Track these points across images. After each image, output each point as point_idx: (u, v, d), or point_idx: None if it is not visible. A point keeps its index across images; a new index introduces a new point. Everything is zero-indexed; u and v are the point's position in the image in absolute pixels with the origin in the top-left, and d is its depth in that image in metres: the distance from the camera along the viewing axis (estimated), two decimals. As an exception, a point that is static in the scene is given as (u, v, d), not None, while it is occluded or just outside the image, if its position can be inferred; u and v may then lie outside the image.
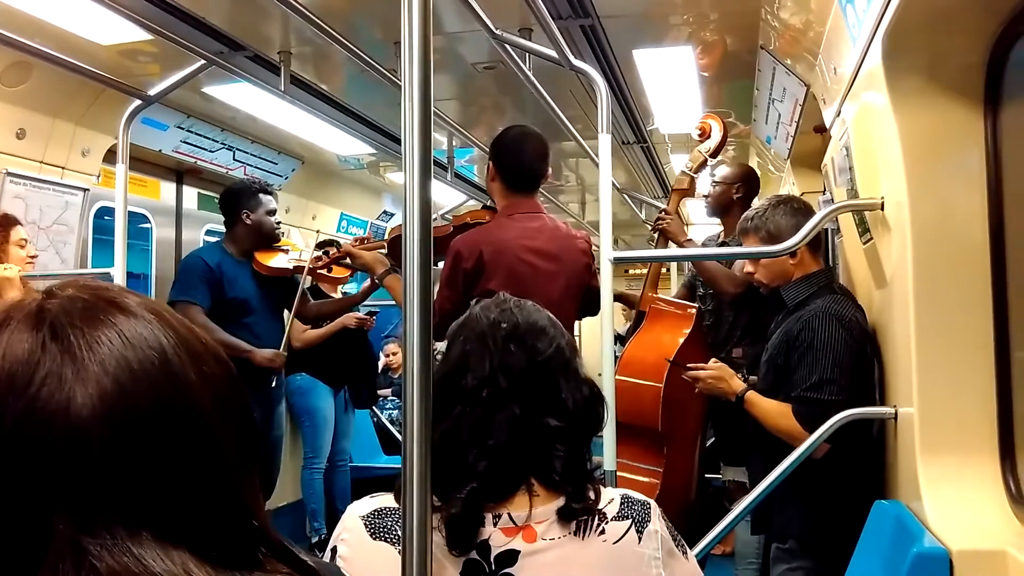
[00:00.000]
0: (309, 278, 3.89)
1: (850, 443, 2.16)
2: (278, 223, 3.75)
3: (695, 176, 3.43)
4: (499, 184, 2.70)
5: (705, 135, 3.39)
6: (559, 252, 2.62)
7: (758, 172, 3.90)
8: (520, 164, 2.67)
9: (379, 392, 5.48)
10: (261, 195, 3.66)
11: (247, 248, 3.63)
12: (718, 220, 3.74)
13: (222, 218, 3.70)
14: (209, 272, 3.47)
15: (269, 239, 3.70)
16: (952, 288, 1.87)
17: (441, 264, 2.69)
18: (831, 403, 2.13)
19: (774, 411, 2.29)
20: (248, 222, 3.61)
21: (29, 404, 0.57)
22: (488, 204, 3.17)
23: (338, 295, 4.69)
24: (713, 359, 2.57)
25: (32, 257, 2.97)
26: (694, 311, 3.26)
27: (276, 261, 3.69)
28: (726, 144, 3.45)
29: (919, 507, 1.83)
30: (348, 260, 3.18)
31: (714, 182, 3.64)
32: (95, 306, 0.62)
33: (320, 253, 3.74)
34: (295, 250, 4.04)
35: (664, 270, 4.08)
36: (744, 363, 3.12)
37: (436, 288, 3.40)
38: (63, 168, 3.51)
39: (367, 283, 3.96)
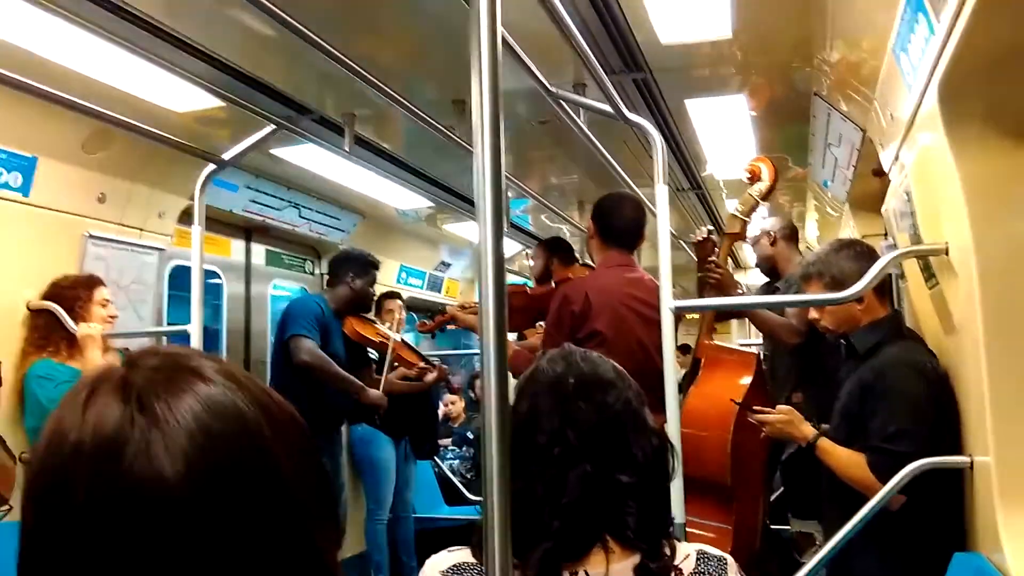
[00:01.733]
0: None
1: (929, 493, 2.10)
2: (375, 295, 4.16)
3: (747, 220, 3.41)
4: (598, 240, 2.96)
5: (755, 178, 3.35)
6: (655, 302, 2.67)
7: (815, 215, 3.89)
8: (617, 223, 2.92)
9: (439, 442, 5.51)
10: (370, 267, 4.11)
11: (341, 309, 4.00)
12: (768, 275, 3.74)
13: (288, 274, 3.89)
14: (322, 317, 3.82)
15: (363, 306, 4.12)
16: (1023, 333, 1.83)
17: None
18: (907, 455, 2.07)
19: (849, 460, 2.23)
20: (353, 286, 4.01)
21: (122, 478, 0.58)
22: (586, 262, 3.39)
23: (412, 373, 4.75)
24: (788, 407, 2.52)
25: (112, 316, 3.10)
26: (754, 356, 3.22)
27: (367, 331, 4.10)
28: (776, 186, 3.43)
29: (1000, 559, 1.78)
30: (454, 323, 3.50)
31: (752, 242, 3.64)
32: (176, 375, 0.64)
33: (424, 319, 4.06)
34: (381, 324, 4.44)
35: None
36: (805, 406, 3.08)
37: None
38: (141, 230, 3.67)
39: (434, 374, 4.43)
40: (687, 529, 2.22)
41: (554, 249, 3.97)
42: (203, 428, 0.60)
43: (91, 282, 3.09)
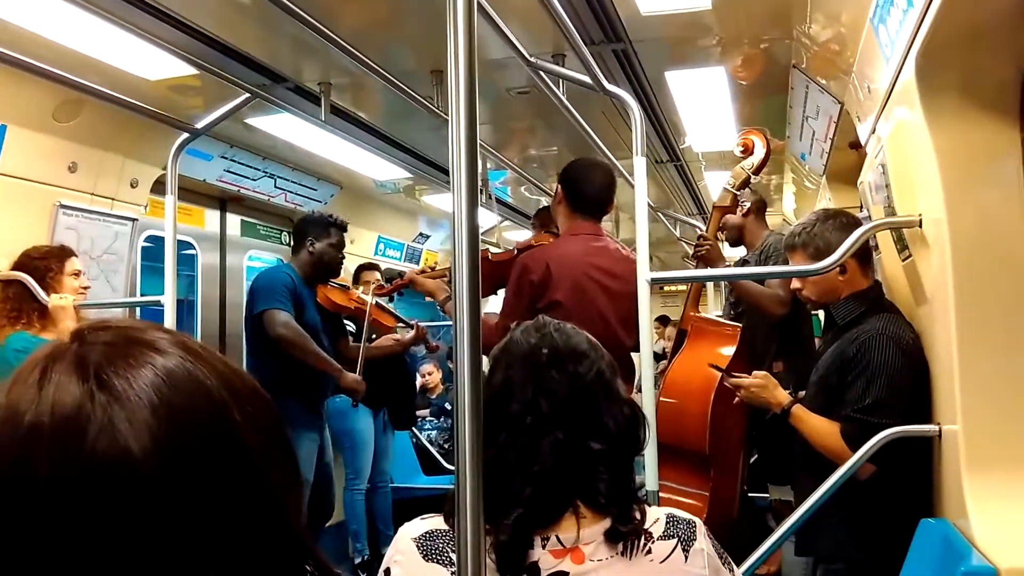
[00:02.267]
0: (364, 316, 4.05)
1: (900, 462, 2.14)
2: (342, 258, 3.90)
3: (737, 193, 3.39)
4: (565, 207, 2.83)
5: (748, 151, 3.32)
6: (621, 273, 2.69)
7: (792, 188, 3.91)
8: (587, 190, 2.81)
9: (417, 413, 5.52)
10: (331, 228, 3.81)
11: (310, 275, 3.77)
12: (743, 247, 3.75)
13: (264, 244, 3.83)
14: (293, 288, 3.61)
15: (330, 270, 3.84)
16: (993, 303, 1.86)
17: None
18: (881, 426, 2.10)
19: (822, 429, 2.26)
20: (312, 249, 3.74)
21: (86, 459, 0.56)
22: (552, 230, 3.32)
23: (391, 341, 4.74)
24: (763, 372, 2.54)
25: (84, 287, 3.07)
26: (738, 329, 3.24)
27: (340, 298, 3.88)
28: (769, 160, 3.40)
29: (966, 525, 1.82)
30: (412, 287, 3.30)
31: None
32: (131, 349, 0.62)
33: (383, 282, 3.85)
34: (355, 289, 4.22)
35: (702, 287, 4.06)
36: (785, 375, 3.11)
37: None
38: (113, 199, 3.62)
39: (412, 333, 4.24)
40: (665, 495, 2.25)
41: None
42: (166, 402, 0.59)
43: (63, 253, 3.05)
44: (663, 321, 9.17)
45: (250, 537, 0.61)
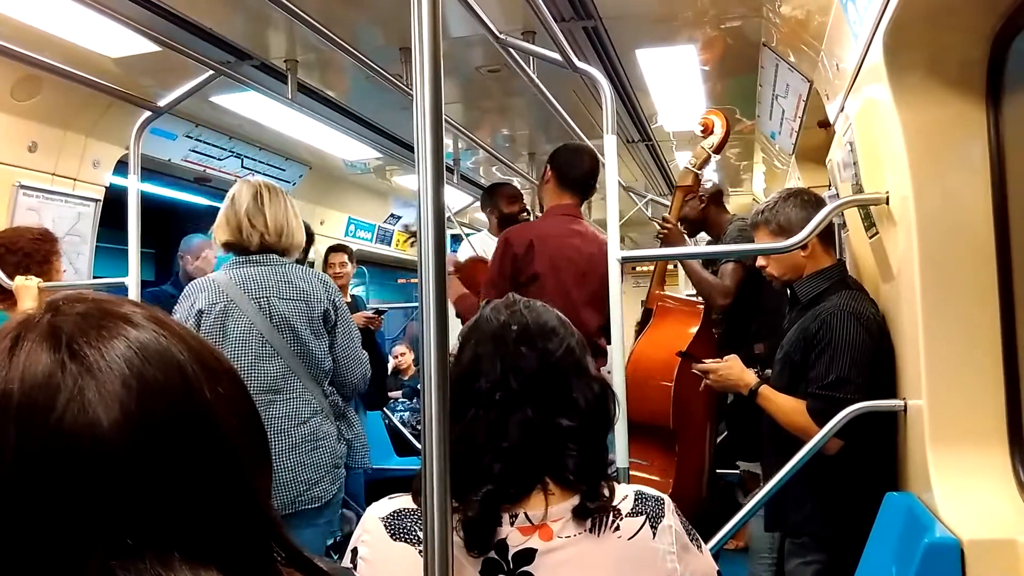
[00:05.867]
0: None
1: (865, 438, 2.17)
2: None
3: (699, 172, 3.44)
4: (552, 185, 3.01)
5: (708, 131, 3.39)
6: (596, 252, 2.82)
7: (762, 167, 3.94)
8: (576, 170, 2.98)
9: (390, 394, 5.51)
10: None
11: None
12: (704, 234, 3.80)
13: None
14: None
15: None
16: (958, 280, 1.88)
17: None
18: (846, 401, 2.13)
19: (788, 407, 2.29)
20: None
21: (54, 429, 0.55)
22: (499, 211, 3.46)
23: (346, 297, 4.77)
24: (732, 355, 2.56)
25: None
26: (702, 307, 3.29)
27: None
28: (729, 139, 3.45)
29: (930, 498, 1.85)
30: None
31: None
32: (105, 322, 0.61)
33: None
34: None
35: (672, 266, 4.12)
36: (766, 357, 3.16)
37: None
38: (75, 180, 3.55)
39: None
40: (631, 473, 2.27)
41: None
42: (137, 374, 0.58)
43: (51, 235, 2.98)
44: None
45: (216, 515, 0.60)
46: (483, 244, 4.04)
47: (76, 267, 3.54)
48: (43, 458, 0.55)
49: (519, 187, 4.45)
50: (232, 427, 0.63)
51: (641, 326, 3.38)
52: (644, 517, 1.16)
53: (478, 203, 5.96)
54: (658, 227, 3.40)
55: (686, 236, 3.58)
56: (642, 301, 3.56)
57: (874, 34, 1.90)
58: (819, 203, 2.43)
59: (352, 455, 2.55)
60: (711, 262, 3.44)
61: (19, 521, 0.54)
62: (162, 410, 0.59)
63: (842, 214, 2.69)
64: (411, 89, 1.09)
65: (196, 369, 0.62)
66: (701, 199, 3.59)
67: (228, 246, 2.47)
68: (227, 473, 0.61)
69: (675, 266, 6.02)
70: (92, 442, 0.55)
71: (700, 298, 3.46)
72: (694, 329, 3.19)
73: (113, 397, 0.57)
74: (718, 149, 3.42)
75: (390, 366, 5.87)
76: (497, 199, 4.05)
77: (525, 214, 4.07)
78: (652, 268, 3.52)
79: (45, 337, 0.59)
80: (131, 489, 0.56)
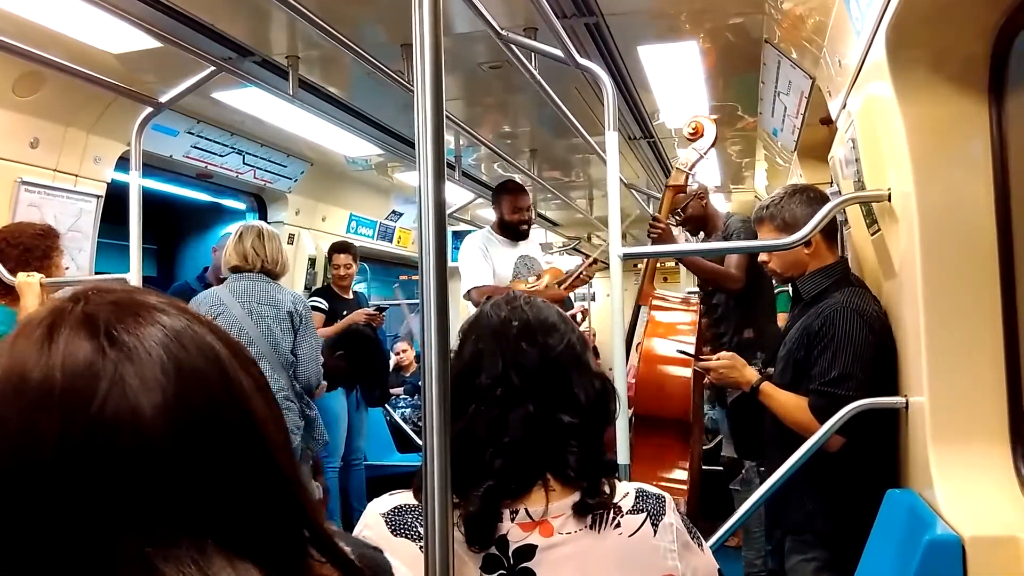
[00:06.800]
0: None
1: (866, 434, 2.16)
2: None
3: (690, 173, 3.48)
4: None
5: (698, 135, 3.43)
6: None
7: (764, 164, 3.99)
8: None
9: (391, 391, 5.52)
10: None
11: None
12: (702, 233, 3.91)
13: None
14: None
15: None
16: (960, 277, 1.88)
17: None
18: (848, 398, 2.12)
19: (790, 404, 2.29)
20: None
21: (97, 416, 0.55)
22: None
23: (349, 295, 4.82)
24: (732, 353, 2.57)
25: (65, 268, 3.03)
26: (696, 301, 3.40)
27: None
28: (716, 143, 3.55)
29: (931, 495, 1.85)
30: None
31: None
32: (138, 310, 0.61)
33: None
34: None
35: (671, 263, 4.18)
36: (756, 341, 3.34)
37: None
38: (76, 176, 3.55)
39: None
40: (652, 463, 2.33)
41: None
42: (175, 361, 0.58)
43: (53, 232, 2.98)
44: None
45: (251, 500, 0.60)
46: (485, 241, 4.04)
47: (78, 263, 3.54)
48: (85, 447, 0.54)
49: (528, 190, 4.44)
50: (264, 412, 0.63)
51: (632, 323, 3.41)
52: (645, 514, 1.16)
53: (480, 200, 5.97)
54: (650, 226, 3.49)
55: (688, 234, 3.66)
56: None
57: (876, 31, 1.89)
58: (824, 200, 2.42)
59: (310, 432, 3.40)
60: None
61: (59, 508, 0.54)
62: (201, 396, 0.59)
63: (844, 211, 2.68)
64: (412, 85, 1.09)
65: (229, 354, 0.62)
66: (702, 197, 3.66)
67: (235, 269, 3.37)
68: (261, 458, 0.61)
69: (675, 263, 6.02)
70: (133, 429, 0.55)
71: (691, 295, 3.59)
72: (696, 323, 3.26)
73: (154, 383, 0.56)
74: (707, 151, 3.49)
75: (392, 363, 5.87)
76: (501, 203, 4.06)
77: (525, 226, 4.09)
78: (643, 264, 3.58)
79: (82, 325, 0.58)
80: (171, 475, 0.56)
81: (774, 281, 3.26)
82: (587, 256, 4.17)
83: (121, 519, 0.54)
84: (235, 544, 0.57)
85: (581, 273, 3.86)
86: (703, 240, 3.84)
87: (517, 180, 4.22)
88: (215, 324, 0.65)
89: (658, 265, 3.93)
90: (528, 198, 4.15)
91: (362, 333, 4.54)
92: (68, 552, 0.54)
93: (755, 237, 2.61)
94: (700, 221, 3.80)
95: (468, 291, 3.88)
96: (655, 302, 3.35)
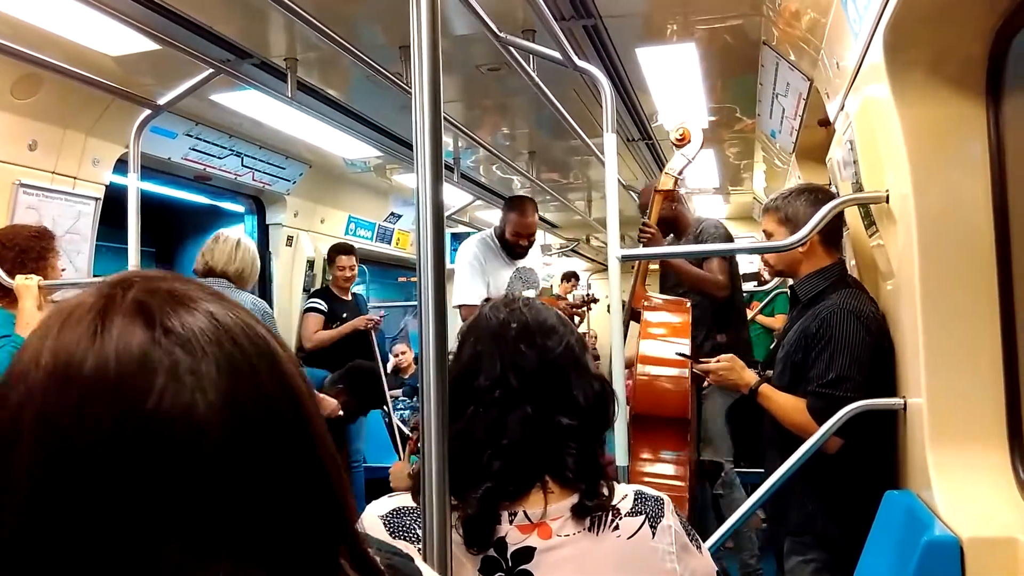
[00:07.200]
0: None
1: (865, 436, 2.16)
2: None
3: (679, 177, 3.49)
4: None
5: (685, 141, 3.43)
6: None
7: (762, 166, 4.00)
8: None
9: (390, 393, 5.51)
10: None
11: None
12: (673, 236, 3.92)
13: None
14: None
15: None
16: (958, 279, 1.88)
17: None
18: (846, 400, 2.12)
19: (789, 406, 2.29)
20: None
21: (152, 412, 0.51)
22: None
23: (348, 297, 4.85)
24: (731, 355, 2.57)
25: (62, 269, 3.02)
26: (687, 302, 3.47)
27: None
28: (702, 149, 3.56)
29: (929, 496, 1.85)
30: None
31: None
32: (183, 298, 0.57)
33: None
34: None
35: (654, 266, 4.19)
36: (728, 346, 3.38)
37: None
38: (75, 178, 3.54)
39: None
40: (652, 464, 2.35)
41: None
42: (227, 354, 0.55)
43: (48, 233, 2.98)
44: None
45: (294, 507, 0.56)
46: (483, 250, 4.06)
47: (76, 265, 3.54)
48: (139, 443, 0.51)
49: (518, 185, 4.44)
50: (314, 409, 0.60)
51: (625, 324, 3.43)
52: (644, 517, 1.16)
53: (478, 202, 5.97)
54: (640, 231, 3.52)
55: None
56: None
57: (874, 32, 1.90)
58: (830, 201, 2.43)
59: None
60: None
61: (104, 508, 0.50)
62: (255, 394, 0.55)
63: (842, 212, 2.69)
64: (411, 87, 1.09)
65: (276, 345, 0.59)
66: (672, 199, 3.66)
67: (203, 273, 3.45)
68: (310, 460, 0.58)
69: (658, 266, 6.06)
70: (188, 427, 0.52)
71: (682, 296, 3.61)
72: (688, 323, 3.29)
73: (209, 379, 0.53)
74: (695, 156, 3.49)
75: (390, 365, 5.87)
76: (508, 218, 4.06)
77: (521, 250, 4.10)
78: (635, 267, 3.60)
79: (136, 313, 0.54)
80: (220, 478, 0.52)
81: (765, 274, 3.34)
82: (587, 259, 4.21)
83: (166, 524, 0.51)
84: (272, 560, 0.54)
85: (572, 308, 4.00)
86: (671, 243, 3.84)
87: (530, 199, 4.21)
88: (249, 311, 0.62)
89: (650, 267, 3.94)
90: (534, 223, 4.10)
91: (363, 368, 4.53)
92: (109, 558, 0.51)
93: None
94: (670, 223, 3.78)
95: (457, 306, 3.92)
96: (649, 303, 3.38)
